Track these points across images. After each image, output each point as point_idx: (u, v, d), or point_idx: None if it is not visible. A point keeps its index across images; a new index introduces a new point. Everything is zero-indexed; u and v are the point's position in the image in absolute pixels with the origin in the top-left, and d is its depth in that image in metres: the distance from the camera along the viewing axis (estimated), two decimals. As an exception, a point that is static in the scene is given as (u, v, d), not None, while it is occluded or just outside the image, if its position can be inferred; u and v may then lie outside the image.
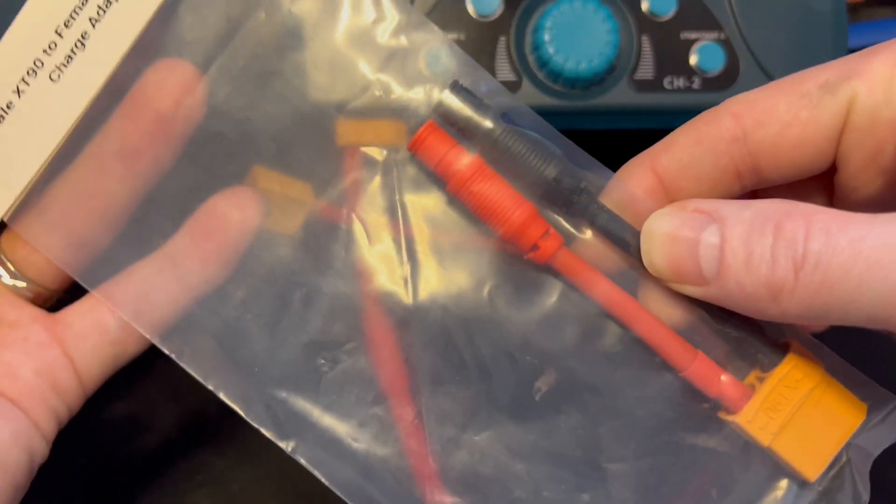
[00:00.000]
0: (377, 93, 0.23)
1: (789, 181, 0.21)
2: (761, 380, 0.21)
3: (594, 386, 0.22)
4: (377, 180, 0.23)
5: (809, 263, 0.17)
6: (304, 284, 0.22)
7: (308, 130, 0.23)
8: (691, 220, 0.19)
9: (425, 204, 0.23)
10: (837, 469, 0.22)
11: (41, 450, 0.22)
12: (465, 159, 0.22)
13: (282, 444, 0.22)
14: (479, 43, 0.28)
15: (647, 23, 0.29)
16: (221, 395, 0.22)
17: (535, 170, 0.22)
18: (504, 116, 0.22)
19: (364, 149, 0.24)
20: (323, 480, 0.22)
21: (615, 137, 0.34)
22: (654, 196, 0.22)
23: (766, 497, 0.22)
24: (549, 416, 0.22)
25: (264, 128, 0.22)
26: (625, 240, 0.22)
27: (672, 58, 0.29)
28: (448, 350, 0.23)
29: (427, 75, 0.23)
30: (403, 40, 0.23)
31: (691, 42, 0.29)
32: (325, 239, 0.22)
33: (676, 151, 0.22)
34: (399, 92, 0.23)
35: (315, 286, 0.22)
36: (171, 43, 0.22)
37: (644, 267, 0.21)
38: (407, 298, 0.22)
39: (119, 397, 0.31)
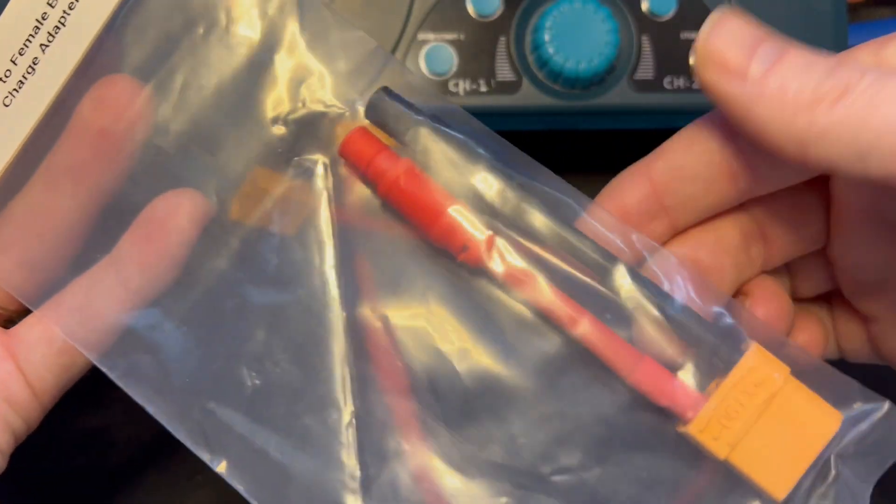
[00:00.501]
0: (310, 102, 0.23)
1: (785, 184, 0.21)
2: (717, 384, 0.19)
3: (536, 391, 0.21)
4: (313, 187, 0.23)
5: (859, 89, 0.16)
6: (237, 295, 0.22)
7: (248, 146, 0.23)
8: (759, 28, 0.19)
9: (360, 207, 0.23)
10: (825, 487, 0.19)
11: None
12: (393, 162, 0.22)
13: (211, 463, 0.21)
14: (479, 43, 0.28)
15: (647, 23, 0.29)
16: (151, 412, 0.22)
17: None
18: (434, 119, 0.22)
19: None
20: (247, 497, 0.21)
21: (615, 137, 0.34)
22: (648, 203, 0.22)
23: None
24: (487, 425, 0.21)
25: (204, 144, 0.23)
26: (565, 242, 0.21)
27: (672, 58, 0.29)
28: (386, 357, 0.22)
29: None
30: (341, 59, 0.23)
31: (691, 42, 0.28)
32: (258, 247, 0.23)
33: (670, 156, 0.22)
34: (333, 100, 0.23)
35: (247, 296, 0.22)
36: (113, 60, 0.22)
37: (579, 262, 0.21)
38: (343, 308, 0.22)
39: (119, 397, 0.31)
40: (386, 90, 0.22)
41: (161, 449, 0.31)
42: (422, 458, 0.22)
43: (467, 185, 0.22)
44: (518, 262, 0.21)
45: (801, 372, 0.19)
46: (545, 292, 0.21)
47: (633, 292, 0.20)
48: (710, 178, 0.21)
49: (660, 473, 0.20)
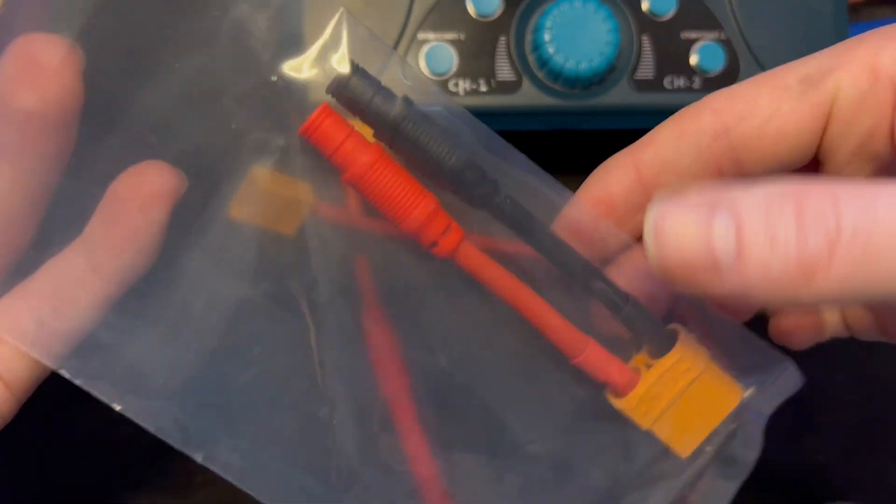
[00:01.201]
0: (273, 78, 0.21)
1: (772, 174, 0.21)
2: (648, 366, 0.22)
3: (515, 377, 0.23)
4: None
5: (846, 234, 0.15)
6: (205, 289, 0.22)
7: (195, 118, 0.21)
8: (698, 204, 0.16)
9: (322, 189, 0.22)
10: (728, 434, 0.23)
11: None
12: (363, 148, 0.20)
13: (193, 455, 0.21)
14: (480, 43, 0.28)
15: (647, 22, 0.28)
16: (123, 411, 0.21)
17: (437, 159, 0.20)
18: (406, 100, 0.20)
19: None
20: (241, 487, 0.21)
21: (615, 137, 0.34)
22: (635, 195, 0.22)
23: (664, 464, 0.23)
24: (466, 407, 0.23)
25: (140, 114, 0.21)
26: (530, 232, 0.21)
27: (672, 57, 0.28)
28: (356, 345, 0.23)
29: (326, 59, 0.21)
30: (297, 24, 0.21)
31: (691, 42, 0.29)
32: (227, 241, 0.22)
33: (658, 147, 0.21)
34: (295, 75, 0.21)
35: (216, 290, 0.22)
36: (33, 12, 0.20)
37: (547, 258, 0.21)
38: (314, 295, 0.22)
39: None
40: (356, 66, 0.21)
41: (161, 449, 0.31)
42: (414, 440, 0.23)
43: (439, 173, 0.21)
44: (483, 256, 0.22)
45: (722, 336, 0.23)
46: (506, 282, 0.22)
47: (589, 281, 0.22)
48: (698, 173, 0.21)
49: (610, 438, 0.23)
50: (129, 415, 0.21)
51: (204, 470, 0.31)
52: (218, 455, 0.21)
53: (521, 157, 0.23)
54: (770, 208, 0.16)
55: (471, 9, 0.28)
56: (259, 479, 0.21)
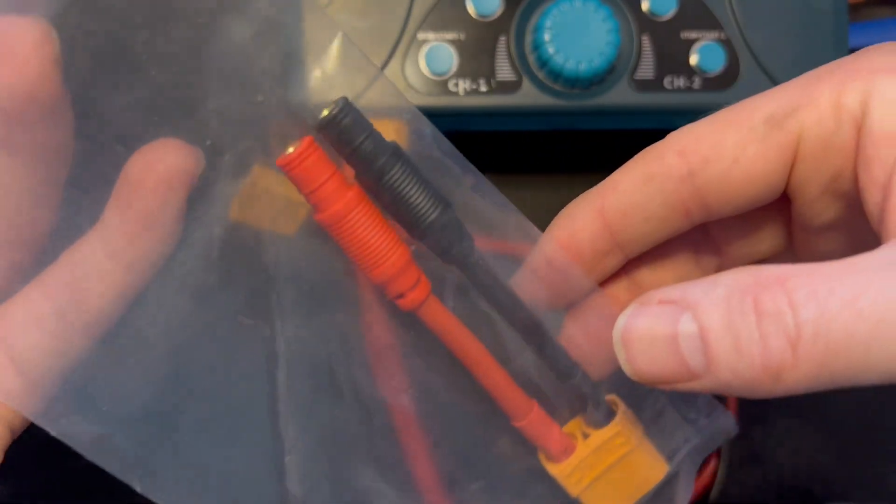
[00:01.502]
0: (258, 97, 0.20)
1: (740, 213, 0.21)
2: (585, 435, 0.23)
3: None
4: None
5: (806, 335, 0.15)
6: (164, 311, 0.21)
7: (167, 130, 0.20)
8: (661, 315, 0.17)
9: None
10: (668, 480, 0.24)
11: None
12: (342, 191, 0.19)
13: (131, 483, 0.20)
14: (480, 43, 0.28)
15: (647, 22, 0.28)
16: (59, 435, 0.20)
17: (417, 214, 0.20)
18: (396, 149, 0.20)
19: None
20: None
21: (615, 137, 0.34)
22: (601, 241, 0.21)
23: None
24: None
25: (108, 121, 0.20)
26: (493, 294, 0.21)
27: (672, 58, 0.28)
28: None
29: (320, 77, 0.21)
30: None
31: (691, 42, 0.29)
32: (190, 262, 0.21)
33: (623, 192, 0.21)
34: (282, 97, 0.20)
35: (175, 313, 0.21)
36: None
37: (506, 319, 0.21)
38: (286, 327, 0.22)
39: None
40: (348, 106, 0.20)
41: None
42: (417, 446, 0.23)
43: (415, 224, 0.20)
44: (446, 314, 0.21)
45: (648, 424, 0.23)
46: (462, 341, 0.21)
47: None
48: (665, 217, 0.21)
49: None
50: (66, 440, 0.20)
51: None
52: (159, 485, 0.20)
53: (508, 204, 0.22)
54: (731, 312, 0.16)
55: (471, 9, 0.28)
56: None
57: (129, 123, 0.20)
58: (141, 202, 0.19)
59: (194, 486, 0.21)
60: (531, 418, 0.22)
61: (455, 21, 0.28)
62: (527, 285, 0.22)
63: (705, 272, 0.23)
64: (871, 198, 0.18)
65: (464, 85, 0.28)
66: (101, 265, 0.20)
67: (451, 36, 0.28)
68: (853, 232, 0.20)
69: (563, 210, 0.22)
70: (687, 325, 0.16)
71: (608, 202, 0.21)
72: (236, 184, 0.21)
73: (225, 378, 0.22)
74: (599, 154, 0.34)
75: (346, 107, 0.19)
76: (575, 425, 0.23)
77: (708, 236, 0.22)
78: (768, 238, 0.22)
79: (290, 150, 0.19)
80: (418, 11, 0.28)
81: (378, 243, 0.20)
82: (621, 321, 0.18)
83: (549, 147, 0.34)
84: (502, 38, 0.28)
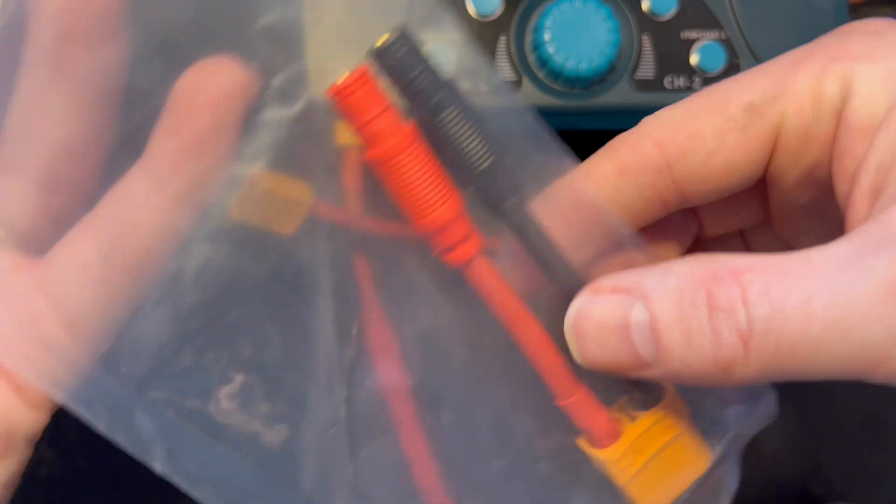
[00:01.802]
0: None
1: (717, 200, 0.20)
2: (633, 418, 0.21)
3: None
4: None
5: (758, 332, 0.15)
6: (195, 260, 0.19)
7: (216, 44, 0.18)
8: (613, 303, 0.17)
9: (322, 189, 0.20)
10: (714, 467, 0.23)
11: (27, 424, 0.19)
12: (395, 127, 0.18)
13: (149, 463, 0.19)
14: (480, 42, 0.28)
15: (647, 22, 0.29)
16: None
17: (470, 158, 0.19)
18: (452, 85, 0.19)
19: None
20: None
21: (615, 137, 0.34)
22: (577, 227, 0.21)
23: None
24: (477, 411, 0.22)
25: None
26: (547, 261, 0.20)
27: (672, 57, 0.29)
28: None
29: None
30: None
31: (692, 41, 0.29)
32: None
33: (599, 181, 0.20)
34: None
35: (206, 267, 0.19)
36: None
37: (557, 284, 0.20)
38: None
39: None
40: (405, 34, 0.18)
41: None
42: (416, 445, 0.22)
43: (467, 172, 0.19)
44: (494, 276, 0.20)
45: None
46: (511, 308, 0.20)
47: None
48: (642, 208, 0.20)
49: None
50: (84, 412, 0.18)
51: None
52: (180, 466, 0.19)
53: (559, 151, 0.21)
54: (683, 304, 0.16)
55: (471, 8, 0.28)
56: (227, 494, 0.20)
57: (177, 40, 0.18)
58: (191, 125, 0.18)
59: (217, 467, 0.20)
60: (578, 397, 0.20)
61: (455, 20, 0.28)
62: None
63: (683, 243, 0.22)
64: (841, 188, 0.18)
65: (464, 85, 0.28)
66: (147, 200, 0.18)
67: (451, 36, 0.28)
68: (828, 214, 0.20)
69: (536, 197, 0.21)
70: (639, 315, 0.16)
71: (584, 189, 0.20)
72: (284, 110, 0.19)
73: (261, 339, 0.20)
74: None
75: (403, 35, 0.18)
76: (618, 410, 0.21)
77: (686, 210, 0.22)
78: (746, 213, 0.22)
79: (342, 79, 0.18)
80: (418, 11, 0.28)
81: (431, 188, 0.18)
82: (573, 308, 0.18)
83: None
84: (502, 38, 0.28)
